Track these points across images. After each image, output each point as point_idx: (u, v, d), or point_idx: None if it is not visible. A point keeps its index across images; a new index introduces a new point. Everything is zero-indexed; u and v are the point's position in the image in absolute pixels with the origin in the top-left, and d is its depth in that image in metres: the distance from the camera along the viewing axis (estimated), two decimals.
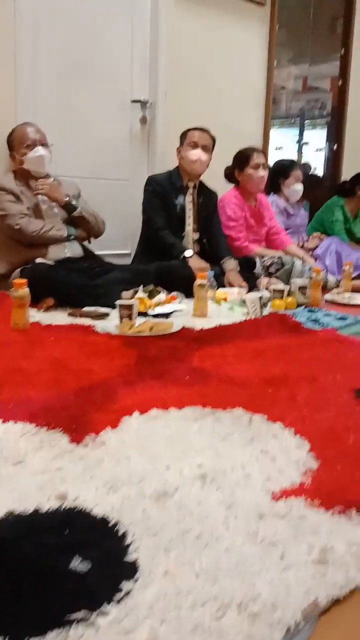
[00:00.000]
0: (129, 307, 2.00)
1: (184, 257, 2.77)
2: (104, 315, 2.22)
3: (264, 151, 3.71)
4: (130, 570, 0.78)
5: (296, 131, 5.20)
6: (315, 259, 3.40)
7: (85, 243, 2.77)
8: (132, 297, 2.28)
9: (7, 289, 2.24)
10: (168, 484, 0.99)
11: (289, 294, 2.61)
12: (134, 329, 1.95)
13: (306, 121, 4.99)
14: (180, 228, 2.95)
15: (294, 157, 4.84)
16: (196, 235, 3.00)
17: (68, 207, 2.65)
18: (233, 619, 0.72)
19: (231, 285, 2.82)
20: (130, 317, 2.00)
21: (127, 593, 0.74)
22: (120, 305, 2.03)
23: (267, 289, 2.73)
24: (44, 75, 2.91)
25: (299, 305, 2.57)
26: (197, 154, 2.89)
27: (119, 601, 0.72)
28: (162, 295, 2.45)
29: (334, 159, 4.62)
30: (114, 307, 2.15)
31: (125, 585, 0.75)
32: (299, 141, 5.43)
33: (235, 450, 1.13)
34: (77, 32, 2.98)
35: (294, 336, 2.03)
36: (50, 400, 1.34)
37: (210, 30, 3.47)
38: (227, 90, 3.60)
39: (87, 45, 3.02)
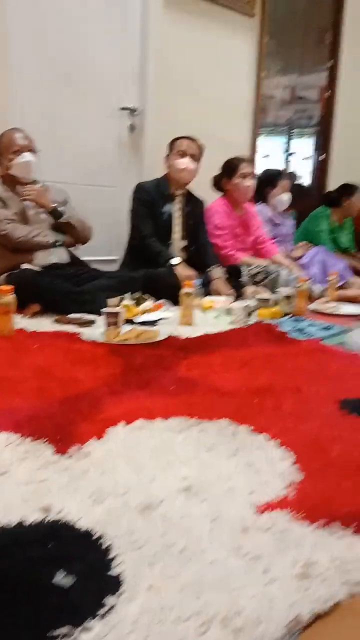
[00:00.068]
0: (115, 315, 2.00)
1: (171, 265, 2.77)
2: (89, 323, 2.21)
3: (252, 161, 3.74)
4: (115, 584, 0.78)
5: (284, 139, 5.24)
6: (301, 268, 3.42)
7: (72, 249, 2.76)
8: (118, 305, 2.28)
9: None
10: (153, 496, 0.99)
11: (274, 303, 2.63)
12: (120, 337, 1.95)
13: (294, 130, 5.04)
14: (167, 236, 2.96)
15: (282, 165, 4.89)
16: (183, 243, 3.01)
17: (55, 214, 2.64)
18: (217, 634, 0.72)
19: (218, 294, 2.83)
20: (116, 324, 1.99)
21: (111, 608, 0.74)
22: (107, 313, 2.02)
23: (253, 297, 2.74)
24: (33, 83, 2.91)
25: (284, 315, 2.59)
26: (184, 162, 2.90)
27: (102, 616, 0.72)
28: (148, 303, 2.45)
29: (320, 169, 4.66)
30: (100, 313, 2.14)
31: (109, 600, 0.74)
32: (287, 150, 5.48)
33: (220, 461, 1.13)
34: (67, 39, 2.98)
35: (279, 346, 2.04)
36: (35, 409, 1.33)
37: (199, 40, 3.49)
38: (215, 99, 3.63)
39: (77, 53, 3.03)
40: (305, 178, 4.86)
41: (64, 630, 0.68)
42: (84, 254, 2.85)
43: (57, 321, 2.25)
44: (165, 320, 2.33)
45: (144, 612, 0.74)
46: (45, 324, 2.21)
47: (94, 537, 0.84)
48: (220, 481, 1.05)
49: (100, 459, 1.11)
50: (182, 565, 0.84)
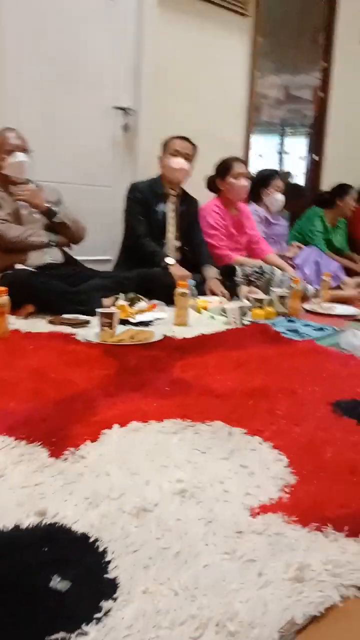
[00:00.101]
0: (110, 316, 2.00)
1: (165, 265, 2.78)
2: (84, 323, 2.21)
3: (245, 160, 3.74)
4: (110, 588, 0.78)
5: (278, 138, 5.25)
6: (294, 268, 3.43)
7: (66, 249, 2.76)
8: (112, 305, 2.28)
9: None
10: (147, 499, 0.99)
11: (268, 304, 2.64)
12: (115, 337, 1.95)
13: (287, 129, 5.04)
14: (161, 236, 2.96)
15: (276, 164, 4.89)
16: (178, 243, 3.01)
17: (48, 214, 2.64)
18: (211, 638, 0.73)
19: (212, 294, 2.84)
20: (110, 325, 1.99)
21: (107, 612, 0.74)
22: (101, 314, 2.02)
23: (247, 298, 2.75)
24: (27, 82, 2.90)
25: (278, 315, 2.59)
26: (178, 162, 2.91)
27: (98, 620, 0.72)
28: (143, 303, 2.45)
29: (314, 169, 4.68)
30: (94, 314, 2.14)
31: (105, 605, 0.75)
32: (280, 150, 5.49)
33: (215, 464, 1.14)
34: (61, 39, 2.98)
35: (274, 346, 2.05)
36: (30, 412, 1.33)
37: (194, 40, 3.49)
38: (209, 98, 3.63)
39: (72, 53, 3.02)
40: (300, 178, 4.87)
41: (60, 635, 0.69)
42: (78, 253, 2.84)
43: (51, 322, 2.25)
44: (159, 321, 2.33)
45: (139, 617, 0.75)
46: (40, 325, 2.21)
47: (90, 541, 0.85)
48: (215, 484, 1.06)
49: (95, 462, 1.11)
50: (177, 569, 0.85)
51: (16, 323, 2.18)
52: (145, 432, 1.25)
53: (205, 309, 2.61)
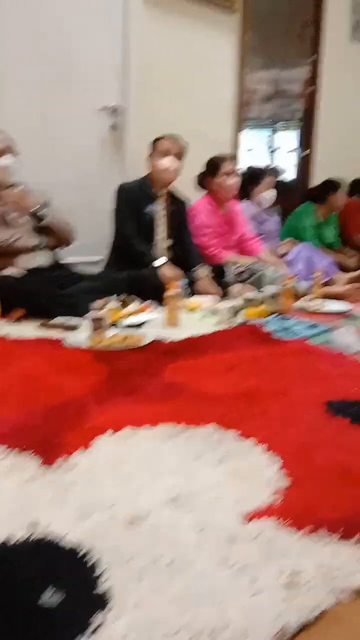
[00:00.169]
0: (99, 320, 1.99)
1: (155, 267, 2.77)
2: (74, 327, 2.20)
3: (235, 157, 3.73)
4: (103, 601, 0.78)
5: (268, 132, 5.25)
6: (287, 265, 3.43)
7: (55, 252, 2.75)
8: (103, 307, 2.26)
9: None
10: (140, 508, 0.99)
11: (260, 302, 2.63)
12: (105, 342, 1.94)
13: (278, 124, 5.05)
14: (151, 236, 2.95)
15: (266, 159, 4.89)
16: (168, 243, 3.01)
17: (36, 217, 2.62)
18: None
19: (204, 294, 2.83)
20: (100, 329, 1.98)
21: (99, 626, 0.74)
22: (91, 318, 2.01)
23: (239, 297, 2.74)
24: (15, 83, 2.88)
25: (271, 314, 2.59)
26: (167, 162, 2.89)
27: (90, 634, 0.72)
28: (134, 305, 2.44)
29: (304, 165, 4.67)
30: (85, 316, 2.13)
31: (97, 618, 0.74)
32: (270, 145, 5.49)
33: (207, 470, 1.14)
34: (49, 39, 2.95)
35: (265, 347, 2.05)
36: (21, 419, 1.33)
37: (181, 38, 3.48)
38: (198, 96, 3.61)
39: (59, 53, 3.00)
40: (290, 171, 4.87)
41: None
42: (68, 254, 2.83)
43: (41, 325, 2.24)
44: (151, 323, 2.32)
45: (132, 628, 0.75)
46: (30, 329, 2.20)
47: (80, 554, 0.84)
48: (207, 490, 1.06)
49: (87, 471, 1.11)
50: (170, 578, 0.85)
51: (5, 327, 2.16)
52: (138, 439, 1.25)
53: (196, 309, 2.61)
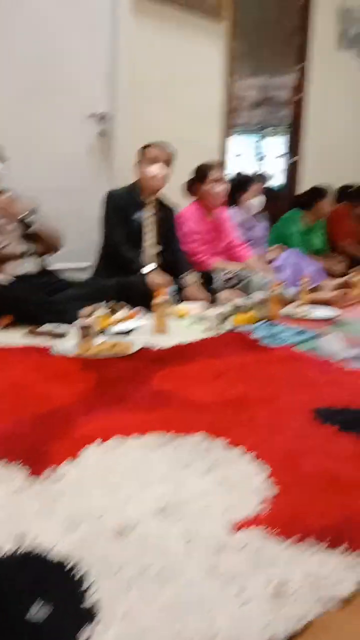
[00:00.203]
0: (87, 327, 1.98)
1: (143, 274, 2.77)
2: (62, 334, 2.19)
3: (223, 165, 3.76)
4: (91, 614, 0.77)
5: (256, 137, 5.29)
6: (274, 271, 3.45)
7: (44, 257, 2.74)
8: (91, 314, 2.26)
9: None
10: (128, 518, 0.99)
11: (249, 309, 2.64)
12: (93, 349, 1.94)
13: (266, 130, 5.09)
14: (139, 243, 2.95)
15: (254, 164, 4.92)
16: (157, 249, 3.01)
17: (24, 223, 2.62)
18: None
19: (193, 300, 2.84)
20: (88, 337, 1.98)
21: (88, 639, 0.74)
22: (79, 325, 2.00)
23: (227, 303, 2.75)
24: (2, 89, 2.87)
25: (259, 320, 2.60)
26: (155, 170, 2.90)
27: None
28: (123, 312, 2.44)
29: (292, 171, 4.71)
30: (73, 323, 2.12)
31: (86, 632, 0.74)
32: (259, 151, 5.53)
33: (196, 479, 1.14)
34: (36, 45, 2.96)
35: (253, 354, 2.05)
36: (8, 428, 1.32)
37: (170, 45, 3.49)
38: (186, 103, 3.63)
39: (47, 59, 3.00)
40: (278, 177, 4.90)
41: None
42: (56, 260, 2.82)
43: (29, 333, 2.23)
44: (139, 330, 2.32)
45: (121, 639, 0.75)
46: (18, 337, 2.19)
47: (68, 567, 0.84)
48: (196, 499, 1.06)
49: (75, 481, 1.11)
50: (158, 588, 0.85)
51: None
52: (126, 448, 1.25)
53: (185, 315, 2.61)
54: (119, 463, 1.18)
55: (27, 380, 1.65)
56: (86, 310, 2.31)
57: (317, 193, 3.95)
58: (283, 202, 4.40)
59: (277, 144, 5.06)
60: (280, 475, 1.16)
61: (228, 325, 2.49)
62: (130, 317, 2.46)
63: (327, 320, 2.74)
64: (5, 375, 1.69)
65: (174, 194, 3.20)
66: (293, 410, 1.53)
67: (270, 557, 0.92)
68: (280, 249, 3.72)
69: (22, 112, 2.95)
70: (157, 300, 2.34)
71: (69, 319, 2.23)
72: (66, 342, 2.07)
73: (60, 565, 0.85)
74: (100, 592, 0.83)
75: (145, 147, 2.96)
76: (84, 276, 3.02)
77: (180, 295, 2.85)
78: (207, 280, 3.04)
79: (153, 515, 1.01)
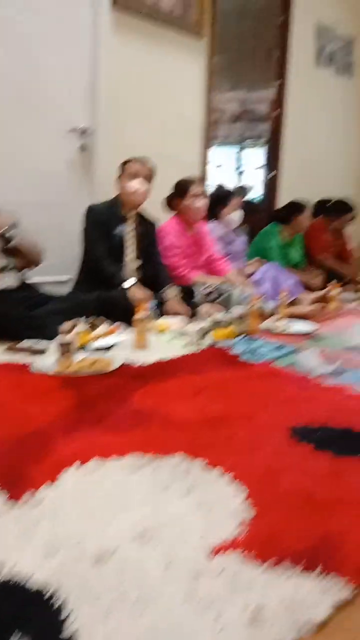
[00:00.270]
0: (66, 344, 1.98)
1: (124, 288, 2.78)
2: (42, 351, 2.18)
3: (203, 180, 3.80)
4: None
5: (236, 149, 5.35)
6: (253, 285, 3.49)
7: (22, 273, 2.73)
8: (71, 329, 2.26)
9: None
10: (107, 544, 0.99)
11: (229, 323, 2.67)
12: (73, 367, 1.94)
13: (245, 142, 5.16)
14: (120, 257, 2.96)
15: (234, 176, 4.97)
16: (137, 263, 3.02)
17: (4, 238, 2.61)
18: None
19: (173, 314, 2.86)
20: (68, 353, 1.98)
21: None
22: (58, 342, 2.00)
23: (207, 318, 2.77)
24: None
25: (238, 335, 2.63)
26: (136, 185, 2.92)
27: None
28: (103, 327, 2.45)
29: (270, 185, 4.77)
30: (53, 339, 2.11)
31: None
32: (238, 164, 5.60)
33: (174, 502, 1.15)
34: (16, 59, 2.96)
35: (232, 370, 2.08)
36: None
37: (150, 60, 3.52)
38: (166, 118, 3.66)
39: (27, 74, 3.00)
40: (258, 188, 4.96)
41: None
42: (35, 273, 2.82)
43: (8, 349, 2.22)
44: (119, 345, 2.33)
45: None
46: None
47: (47, 596, 0.84)
48: (174, 523, 1.07)
49: (54, 506, 1.11)
50: (136, 615, 0.86)
51: None
52: (105, 471, 1.25)
53: (166, 330, 2.63)
54: (97, 486, 1.19)
55: (6, 399, 1.65)
56: (66, 325, 2.30)
57: (295, 208, 4.01)
58: (262, 216, 4.45)
59: (256, 156, 5.13)
60: (258, 497, 1.18)
61: (208, 340, 2.51)
62: (110, 332, 2.46)
63: (305, 335, 2.78)
64: None
65: (155, 208, 3.23)
66: (271, 428, 1.55)
67: (247, 582, 0.93)
68: (260, 262, 3.77)
69: (3, 127, 2.95)
70: (138, 315, 2.34)
71: (49, 334, 2.22)
72: (46, 359, 2.06)
73: (39, 594, 0.85)
74: (79, 620, 0.83)
75: (125, 162, 2.99)
76: (63, 289, 3.02)
77: (161, 310, 2.87)
78: (187, 294, 3.06)
79: (132, 540, 1.01)
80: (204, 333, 2.55)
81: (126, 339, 2.40)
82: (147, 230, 3.08)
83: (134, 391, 1.77)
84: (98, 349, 2.25)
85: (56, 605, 0.83)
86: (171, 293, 2.98)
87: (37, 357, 2.10)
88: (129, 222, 3.00)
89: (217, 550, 1.00)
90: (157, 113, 3.61)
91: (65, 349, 1.98)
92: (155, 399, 1.72)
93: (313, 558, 0.99)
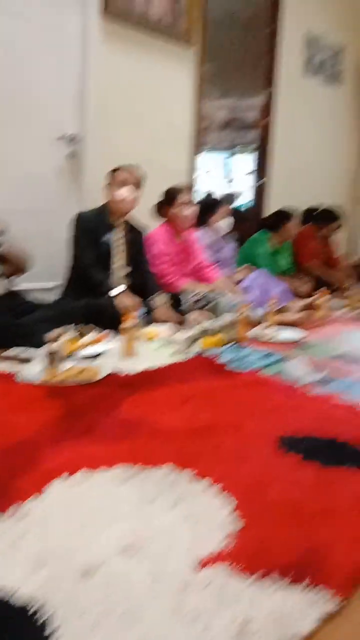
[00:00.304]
0: (53, 353, 1.97)
1: (112, 296, 2.77)
2: (28, 359, 2.17)
3: (191, 188, 3.81)
4: None
5: (226, 155, 5.38)
6: (242, 292, 3.50)
7: (11, 279, 2.71)
8: (58, 337, 2.25)
9: None
10: (94, 557, 0.99)
11: (217, 331, 2.67)
12: (59, 376, 1.92)
13: (235, 148, 5.19)
14: (108, 265, 2.96)
15: (223, 182, 5.00)
16: (126, 271, 3.02)
17: None
18: None
19: (161, 322, 2.85)
20: (54, 363, 1.96)
21: None
22: (45, 351, 1.99)
23: (195, 326, 2.77)
24: None
25: (227, 343, 2.63)
26: (124, 193, 2.92)
27: None
28: (91, 335, 2.44)
29: (260, 192, 4.79)
30: (40, 347, 2.10)
31: None
32: (227, 171, 5.63)
33: (161, 514, 1.14)
34: (5, 67, 2.95)
35: (219, 379, 2.08)
36: None
37: (140, 68, 3.54)
38: (155, 126, 3.67)
39: (15, 82, 2.99)
40: (247, 194, 4.99)
41: None
42: (22, 280, 2.80)
43: None
44: (107, 353, 2.32)
45: None
46: None
47: (31, 612, 0.83)
48: (161, 536, 1.07)
49: (40, 519, 1.10)
50: (123, 630, 0.85)
51: None
52: (92, 482, 1.25)
53: (154, 338, 2.62)
54: (85, 499, 1.18)
55: None
56: (54, 333, 2.29)
57: (283, 215, 4.04)
58: (251, 223, 4.47)
59: (245, 162, 5.16)
60: (245, 508, 1.18)
61: (196, 348, 2.51)
62: (98, 340, 2.46)
63: (293, 343, 2.79)
64: None
65: (144, 215, 3.23)
66: (258, 438, 1.55)
67: (235, 594, 0.93)
68: (249, 269, 3.78)
69: None
70: (126, 323, 2.34)
71: (37, 342, 2.21)
72: (32, 368, 2.04)
73: (23, 609, 0.84)
74: (65, 635, 0.82)
75: (114, 170, 2.99)
76: (51, 296, 3.01)
77: (149, 317, 2.87)
78: (176, 301, 3.06)
79: (118, 553, 1.01)
80: (193, 341, 2.55)
81: (114, 347, 2.39)
82: (135, 237, 3.08)
83: (122, 400, 1.76)
84: (85, 357, 2.24)
85: (41, 621, 0.82)
86: (160, 300, 2.98)
87: (23, 366, 2.08)
88: (117, 229, 3.00)
89: (205, 563, 1.00)
90: (147, 121, 3.62)
91: (52, 358, 1.96)
92: (143, 408, 1.72)
93: (300, 570, 0.99)
